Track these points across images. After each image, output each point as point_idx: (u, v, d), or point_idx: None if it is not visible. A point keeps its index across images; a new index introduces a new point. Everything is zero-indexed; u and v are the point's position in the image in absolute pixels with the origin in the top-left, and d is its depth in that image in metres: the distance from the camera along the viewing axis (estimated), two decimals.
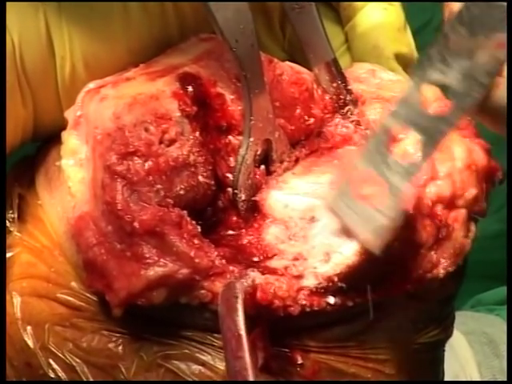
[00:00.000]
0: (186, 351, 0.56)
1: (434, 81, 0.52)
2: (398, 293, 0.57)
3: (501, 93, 0.51)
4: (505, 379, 0.99)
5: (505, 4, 0.50)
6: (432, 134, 0.52)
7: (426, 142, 0.52)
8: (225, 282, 0.53)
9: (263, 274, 0.54)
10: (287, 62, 0.62)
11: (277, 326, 0.55)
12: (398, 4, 0.67)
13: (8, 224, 0.61)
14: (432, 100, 0.59)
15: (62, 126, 0.60)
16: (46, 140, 0.64)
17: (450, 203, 0.58)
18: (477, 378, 1.01)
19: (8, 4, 0.57)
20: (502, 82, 0.51)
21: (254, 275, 0.53)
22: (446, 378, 0.66)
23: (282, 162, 0.59)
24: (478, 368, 1.02)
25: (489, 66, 0.51)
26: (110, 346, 0.56)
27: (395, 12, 0.67)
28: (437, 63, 0.52)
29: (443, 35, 0.52)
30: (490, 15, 0.50)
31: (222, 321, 0.49)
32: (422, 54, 0.53)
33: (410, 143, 0.58)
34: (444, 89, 0.52)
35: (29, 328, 0.57)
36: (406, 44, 0.67)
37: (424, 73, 0.52)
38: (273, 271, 0.55)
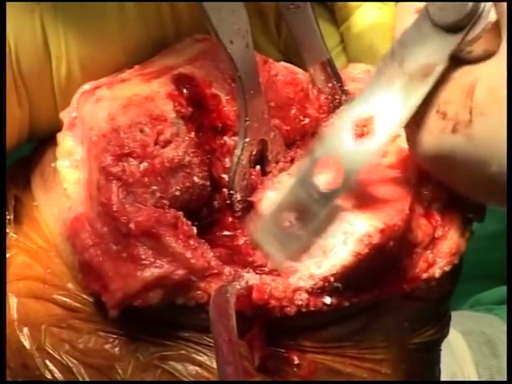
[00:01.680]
0: (183, 352, 0.56)
1: (362, 116, 0.53)
2: (394, 292, 0.57)
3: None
4: (503, 379, 1.00)
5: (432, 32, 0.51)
6: (354, 163, 0.53)
7: (348, 172, 0.53)
8: (221, 282, 0.53)
9: (259, 274, 0.54)
10: (282, 63, 0.62)
11: (273, 327, 0.55)
12: (392, 4, 0.67)
13: None
14: (393, 152, 0.59)
15: (58, 127, 0.60)
16: (41, 141, 0.64)
17: (446, 203, 0.58)
18: (475, 378, 1.01)
19: None
20: None
21: (249, 276, 0.53)
22: (444, 378, 0.66)
23: (277, 162, 0.59)
24: (476, 368, 1.02)
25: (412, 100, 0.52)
26: (107, 347, 0.56)
27: (390, 12, 0.67)
28: (368, 97, 0.53)
29: (376, 69, 0.53)
30: (418, 46, 0.51)
31: (213, 326, 0.49)
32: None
33: (402, 141, 0.58)
34: None
35: (25, 329, 0.57)
36: None
37: (354, 109, 0.53)
38: (269, 272, 0.55)
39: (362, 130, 0.53)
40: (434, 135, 0.52)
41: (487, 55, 0.50)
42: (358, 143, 0.52)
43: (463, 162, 0.51)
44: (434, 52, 0.50)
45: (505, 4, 0.49)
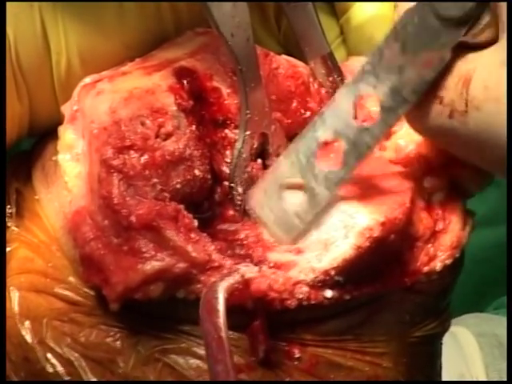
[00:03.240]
0: (184, 345, 0.55)
1: (363, 93, 0.53)
2: (395, 286, 0.57)
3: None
4: None
5: (437, 24, 0.51)
6: (357, 145, 0.54)
7: (349, 153, 0.54)
8: (221, 276, 0.53)
9: (260, 267, 0.54)
10: (283, 56, 0.62)
11: (274, 320, 0.55)
12: None
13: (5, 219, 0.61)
14: (393, 148, 0.60)
15: (58, 121, 0.60)
16: (42, 135, 0.64)
17: (447, 196, 0.58)
18: (483, 380, 1.01)
19: None
20: None
21: (245, 270, 0.53)
22: (451, 378, 0.66)
23: (278, 155, 0.59)
24: (486, 370, 1.02)
25: (415, 85, 0.52)
26: (108, 340, 0.56)
27: (390, 4, 0.66)
28: (369, 76, 0.53)
29: (378, 49, 0.53)
30: (421, 34, 0.51)
31: (202, 324, 0.49)
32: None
33: (401, 136, 0.58)
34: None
35: (27, 323, 0.57)
36: None
37: (356, 84, 0.54)
38: (269, 265, 0.55)
39: (364, 110, 0.54)
40: (432, 117, 0.53)
41: (488, 43, 0.50)
42: (361, 124, 0.53)
43: (460, 141, 0.52)
44: (438, 43, 0.51)
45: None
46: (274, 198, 0.56)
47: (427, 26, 0.51)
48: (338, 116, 0.54)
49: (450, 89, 0.51)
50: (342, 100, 0.54)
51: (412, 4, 0.52)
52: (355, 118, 0.54)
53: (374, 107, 0.54)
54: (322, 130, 0.54)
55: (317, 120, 0.55)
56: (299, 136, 0.56)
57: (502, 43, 0.49)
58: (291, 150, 0.56)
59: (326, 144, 0.55)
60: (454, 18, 0.50)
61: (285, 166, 0.56)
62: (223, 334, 0.48)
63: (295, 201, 0.55)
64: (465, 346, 1.03)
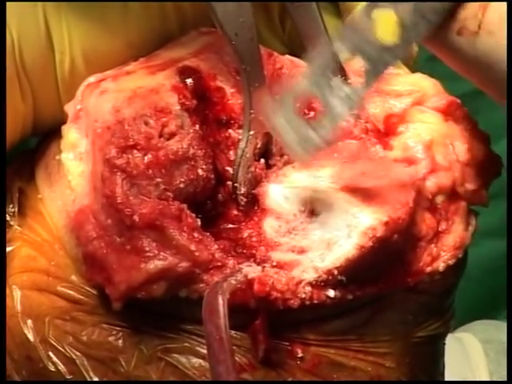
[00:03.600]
0: (187, 344, 0.56)
1: (384, 9, 0.52)
2: (398, 286, 0.57)
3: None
4: None
5: None
6: (376, 63, 0.53)
7: (369, 71, 0.53)
8: (223, 275, 0.53)
9: (263, 267, 0.54)
10: (287, 56, 0.62)
11: (277, 319, 0.55)
12: None
13: (8, 218, 0.61)
14: (430, 94, 0.59)
15: (62, 120, 0.60)
16: (45, 134, 0.64)
17: (451, 196, 0.58)
18: None
19: None
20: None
21: (248, 270, 0.53)
22: None
23: (281, 155, 0.59)
24: (491, 376, 1.01)
25: (437, 5, 0.51)
26: (110, 339, 0.56)
27: None
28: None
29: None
30: None
31: (204, 325, 0.49)
32: None
33: (410, 136, 0.58)
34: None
35: (29, 321, 0.57)
36: None
37: (374, 4, 0.52)
38: (272, 264, 0.55)
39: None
40: (440, 31, 0.53)
41: None
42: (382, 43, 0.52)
43: (462, 58, 0.53)
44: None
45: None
46: (290, 110, 0.54)
47: None
48: (357, 33, 0.53)
49: (466, 6, 0.51)
50: (362, 18, 0.52)
51: None
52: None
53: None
54: (339, 45, 0.53)
55: (334, 36, 0.54)
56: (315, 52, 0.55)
57: None
58: (307, 66, 0.55)
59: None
60: None
61: (301, 80, 0.54)
62: (224, 335, 0.48)
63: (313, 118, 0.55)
64: (470, 352, 1.03)
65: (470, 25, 0.51)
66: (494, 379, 1.01)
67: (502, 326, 1.11)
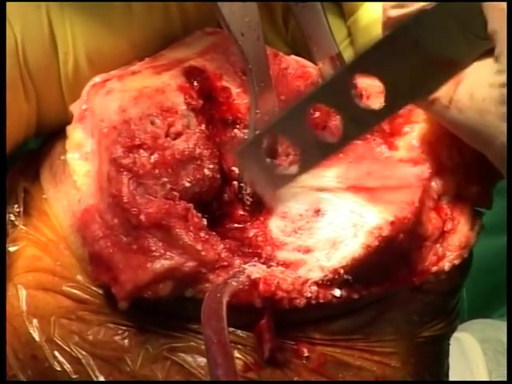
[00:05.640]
0: (192, 344, 0.56)
1: (370, 72, 0.51)
2: (404, 285, 0.57)
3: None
4: None
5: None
6: (358, 123, 0.52)
7: (349, 128, 0.52)
8: (226, 277, 0.53)
9: (268, 266, 0.54)
10: (292, 56, 0.62)
11: (282, 319, 0.55)
12: None
13: (13, 218, 0.61)
14: (404, 147, 0.60)
15: (66, 121, 0.60)
16: (50, 135, 0.64)
17: (456, 197, 0.58)
18: None
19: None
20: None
21: (252, 270, 0.53)
22: None
23: (287, 155, 0.59)
24: (489, 376, 1.01)
25: (426, 81, 0.51)
26: (116, 338, 0.56)
27: None
28: (377, 59, 0.51)
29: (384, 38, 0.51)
30: (440, 37, 0.50)
31: (203, 328, 0.49)
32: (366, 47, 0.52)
33: (415, 136, 0.58)
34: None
35: (34, 321, 0.57)
36: None
37: (361, 63, 0.51)
38: (278, 264, 0.55)
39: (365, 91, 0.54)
40: None
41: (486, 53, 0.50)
42: (361, 103, 0.52)
43: (442, 121, 0.54)
44: (460, 50, 0.50)
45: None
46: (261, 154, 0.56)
47: (446, 29, 0.49)
48: (337, 90, 0.51)
49: None
50: (341, 74, 0.52)
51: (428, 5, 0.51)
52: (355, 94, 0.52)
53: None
54: (316, 97, 0.53)
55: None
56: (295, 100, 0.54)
57: (499, 61, 0.49)
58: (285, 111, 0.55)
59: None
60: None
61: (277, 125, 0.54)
62: (223, 338, 0.48)
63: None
64: (469, 352, 1.03)
65: (442, 98, 0.51)
66: (493, 378, 1.01)
67: (499, 324, 1.11)
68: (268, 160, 0.55)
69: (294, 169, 0.55)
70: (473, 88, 0.50)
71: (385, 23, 0.55)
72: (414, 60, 0.50)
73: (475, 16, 0.49)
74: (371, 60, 0.50)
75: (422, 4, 0.51)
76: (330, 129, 0.61)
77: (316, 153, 0.53)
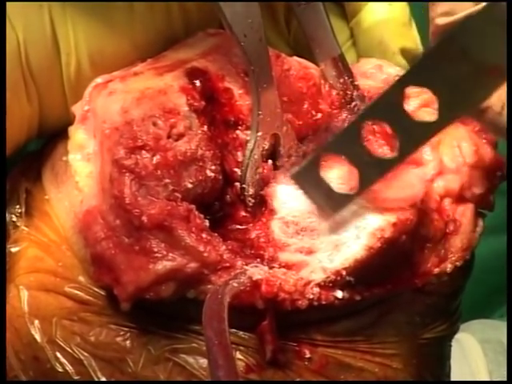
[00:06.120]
0: (194, 345, 0.56)
1: (422, 84, 0.51)
2: (406, 287, 0.57)
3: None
4: None
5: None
6: (413, 137, 0.52)
7: (405, 143, 0.52)
8: (227, 279, 0.53)
9: (271, 267, 0.54)
10: (295, 57, 0.62)
11: (284, 320, 0.55)
12: None
13: (15, 218, 0.61)
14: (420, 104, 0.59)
15: (68, 122, 0.60)
16: (52, 135, 0.64)
17: (458, 198, 0.58)
18: None
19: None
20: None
21: (253, 271, 0.53)
22: None
23: (289, 156, 0.59)
24: (490, 376, 1.01)
25: (477, 91, 0.50)
26: (118, 339, 0.56)
27: (400, 7, 0.67)
28: (427, 70, 0.50)
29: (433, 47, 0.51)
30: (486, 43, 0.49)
31: (204, 330, 0.49)
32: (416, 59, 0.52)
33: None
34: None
35: (36, 322, 0.57)
36: (412, 39, 0.67)
37: (412, 76, 0.51)
38: (280, 265, 0.55)
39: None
40: None
41: None
42: (414, 115, 0.51)
43: (491, 129, 0.55)
44: (507, 59, 0.49)
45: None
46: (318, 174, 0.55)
47: (491, 34, 0.48)
48: (390, 104, 0.52)
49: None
50: (393, 88, 0.51)
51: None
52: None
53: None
54: (369, 114, 0.53)
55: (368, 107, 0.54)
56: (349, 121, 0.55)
57: None
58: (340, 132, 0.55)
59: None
60: None
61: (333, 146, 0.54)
62: (224, 340, 0.48)
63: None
64: (469, 353, 1.03)
65: (494, 105, 0.52)
66: (494, 379, 1.01)
67: (500, 325, 1.11)
68: (327, 181, 0.55)
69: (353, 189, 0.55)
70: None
71: (433, 32, 0.55)
72: (464, 68, 0.49)
73: None
74: (422, 72, 0.50)
75: (468, 11, 0.51)
76: (332, 129, 0.61)
77: (374, 171, 0.54)
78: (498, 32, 0.48)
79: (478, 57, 0.49)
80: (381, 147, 0.59)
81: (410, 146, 0.52)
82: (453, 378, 0.66)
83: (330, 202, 0.55)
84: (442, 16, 0.54)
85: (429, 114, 0.54)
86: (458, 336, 0.95)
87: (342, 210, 0.55)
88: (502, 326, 1.10)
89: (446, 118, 0.51)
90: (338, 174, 0.56)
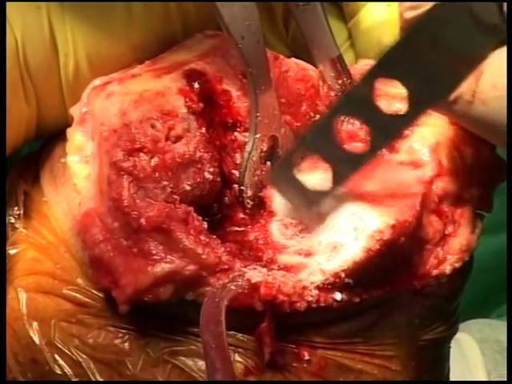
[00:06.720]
0: (193, 347, 0.56)
1: (391, 76, 0.51)
2: (405, 289, 0.57)
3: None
4: None
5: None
6: (385, 130, 0.52)
7: (376, 137, 0.52)
8: (225, 282, 0.53)
9: (269, 270, 0.54)
10: (293, 59, 0.62)
11: (283, 322, 0.55)
12: None
13: (13, 220, 0.61)
14: (405, 150, 0.59)
15: (66, 123, 0.60)
16: (50, 137, 0.64)
17: (457, 199, 0.58)
18: None
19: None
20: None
21: (252, 274, 0.53)
22: None
23: None
24: (488, 376, 1.01)
25: (447, 79, 0.50)
26: (117, 342, 0.56)
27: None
28: (396, 61, 0.51)
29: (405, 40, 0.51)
30: (455, 32, 0.49)
31: (202, 333, 0.49)
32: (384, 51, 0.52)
33: (416, 139, 0.58)
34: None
35: (35, 324, 0.57)
36: None
37: (381, 68, 0.51)
38: (279, 267, 0.55)
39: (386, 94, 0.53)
40: None
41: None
42: (385, 107, 0.52)
43: (463, 122, 0.55)
44: (476, 47, 0.49)
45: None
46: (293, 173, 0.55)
47: (462, 26, 0.49)
48: (359, 99, 0.52)
49: None
50: (365, 82, 0.52)
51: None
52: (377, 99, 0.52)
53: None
54: (344, 111, 0.53)
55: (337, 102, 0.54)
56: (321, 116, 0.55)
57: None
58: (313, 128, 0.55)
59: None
60: (492, 25, 0.48)
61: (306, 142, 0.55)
62: (222, 343, 0.48)
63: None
64: (467, 352, 1.03)
65: (465, 94, 0.51)
66: (492, 378, 1.01)
67: (497, 324, 1.11)
68: (300, 178, 0.55)
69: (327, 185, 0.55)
70: (494, 77, 0.50)
71: (402, 28, 0.55)
72: (434, 58, 0.49)
73: (487, 5, 0.48)
74: (390, 63, 0.50)
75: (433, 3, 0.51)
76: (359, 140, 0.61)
77: (347, 166, 0.54)
78: (466, 20, 0.48)
79: (446, 45, 0.49)
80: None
81: (382, 140, 0.53)
82: (451, 378, 0.66)
83: (304, 200, 0.55)
84: (410, 10, 0.54)
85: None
86: (455, 336, 0.95)
87: (317, 207, 0.55)
88: (500, 325, 1.10)
89: (417, 109, 0.51)
90: (312, 172, 0.56)
